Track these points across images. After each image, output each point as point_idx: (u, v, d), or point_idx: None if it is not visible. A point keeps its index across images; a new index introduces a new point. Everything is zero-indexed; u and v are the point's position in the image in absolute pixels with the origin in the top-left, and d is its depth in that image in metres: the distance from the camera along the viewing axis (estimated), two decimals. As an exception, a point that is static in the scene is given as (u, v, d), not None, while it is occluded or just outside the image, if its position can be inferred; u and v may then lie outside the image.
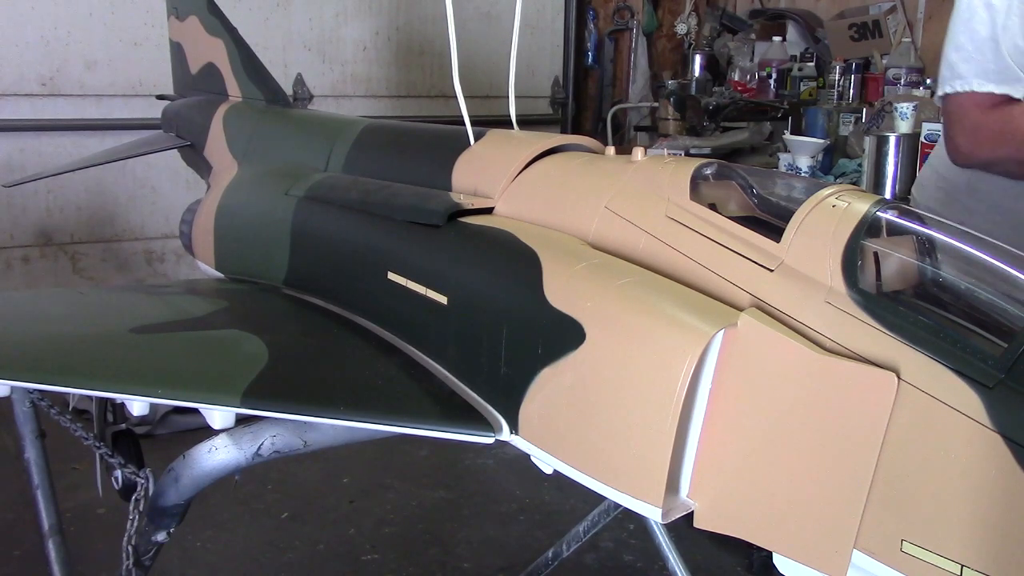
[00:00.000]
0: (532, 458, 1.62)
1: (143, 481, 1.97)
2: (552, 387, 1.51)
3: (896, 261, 1.44)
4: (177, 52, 3.75)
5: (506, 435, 1.62)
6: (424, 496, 4.09)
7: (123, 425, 2.34)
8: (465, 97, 2.09)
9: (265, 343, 1.93)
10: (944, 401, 1.15)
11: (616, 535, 3.70)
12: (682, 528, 2.10)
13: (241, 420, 1.78)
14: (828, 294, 1.32)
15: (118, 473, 2.15)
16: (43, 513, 2.63)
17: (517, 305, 1.60)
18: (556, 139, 2.04)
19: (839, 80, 4.93)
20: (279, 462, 1.86)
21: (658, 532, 2.86)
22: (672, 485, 1.37)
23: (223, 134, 3.16)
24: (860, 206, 1.41)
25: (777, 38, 5.78)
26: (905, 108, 3.74)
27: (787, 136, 4.52)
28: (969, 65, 2.23)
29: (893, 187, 3.69)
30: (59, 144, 5.45)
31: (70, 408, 2.34)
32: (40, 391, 2.33)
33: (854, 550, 1.20)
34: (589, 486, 1.48)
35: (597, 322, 1.45)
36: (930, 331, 1.21)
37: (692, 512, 1.39)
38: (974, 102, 2.24)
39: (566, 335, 1.48)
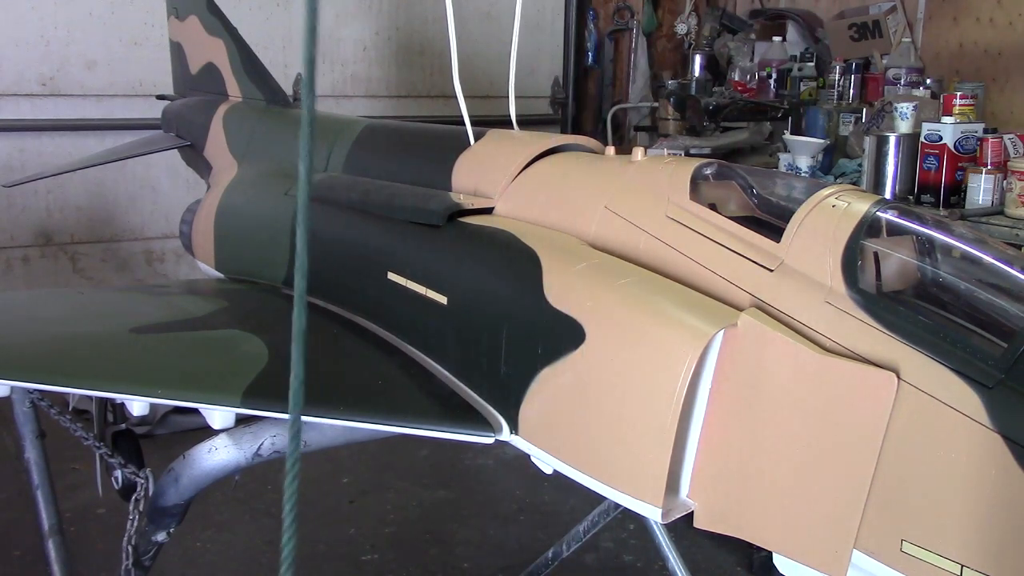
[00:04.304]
0: (532, 458, 1.62)
1: (143, 481, 1.97)
2: (552, 387, 1.51)
3: (896, 261, 1.44)
4: (177, 52, 3.75)
5: (506, 435, 1.62)
6: (424, 496, 4.09)
7: (123, 425, 2.34)
8: (465, 97, 2.09)
9: (265, 343, 1.93)
10: (944, 401, 1.15)
11: (616, 535, 3.70)
12: (682, 528, 2.10)
13: (241, 420, 1.78)
14: (828, 294, 1.32)
15: (118, 473, 2.16)
16: (43, 513, 2.63)
17: (517, 305, 1.60)
18: (556, 139, 2.04)
19: (839, 80, 4.92)
20: (279, 462, 1.86)
21: (658, 532, 2.85)
22: (672, 485, 1.37)
23: (223, 134, 3.16)
24: (860, 206, 1.41)
25: (777, 38, 5.77)
26: (905, 108, 3.73)
27: (787, 136, 4.51)
28: None
29: (893, 187, 3.68)
30: (59, 144, 5.45)
31: (70, 408, 2.34)
32: (40, 391, 2.33)
33: (854, 550, 1.20)
34: (589, 486, 1.48)
35: (597, 322, 1.45)
36: (930, 331, 1.21)
37: (692, 512, 1.40)
38: None
39: (566, 335, 1.48)
